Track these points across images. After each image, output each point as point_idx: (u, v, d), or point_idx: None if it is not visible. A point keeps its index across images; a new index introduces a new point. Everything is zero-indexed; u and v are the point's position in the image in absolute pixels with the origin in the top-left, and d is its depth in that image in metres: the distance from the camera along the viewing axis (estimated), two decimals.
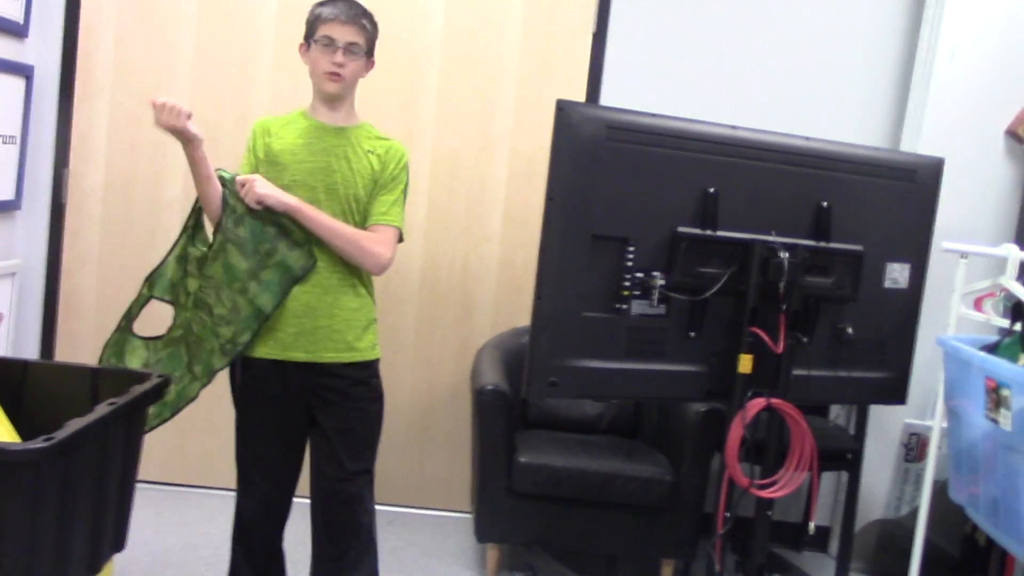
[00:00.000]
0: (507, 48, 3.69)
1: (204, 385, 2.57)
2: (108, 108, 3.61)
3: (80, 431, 1.85)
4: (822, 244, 2.56)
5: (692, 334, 2.45)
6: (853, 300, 2.61)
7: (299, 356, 2.51)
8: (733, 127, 2.51)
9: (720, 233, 2.42)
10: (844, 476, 3.61)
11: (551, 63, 3.71)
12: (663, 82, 3.72)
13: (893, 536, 3.54)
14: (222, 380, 3.57)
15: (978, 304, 3.03)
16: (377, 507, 3.80)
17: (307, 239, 2.47)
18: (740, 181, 2.48)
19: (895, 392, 2.83)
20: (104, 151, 3.62)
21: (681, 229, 2.35)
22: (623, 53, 3.71)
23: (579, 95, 3.69)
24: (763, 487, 2.57)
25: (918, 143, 3.57)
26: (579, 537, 3.24)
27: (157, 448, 3.71)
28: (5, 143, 3.37)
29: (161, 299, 2.58)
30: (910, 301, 2.75)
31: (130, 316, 2.60)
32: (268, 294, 2.45)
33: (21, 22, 3.39)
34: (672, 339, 2.43)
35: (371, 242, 2.50)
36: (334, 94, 2.51)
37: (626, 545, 3.23)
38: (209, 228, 2.55)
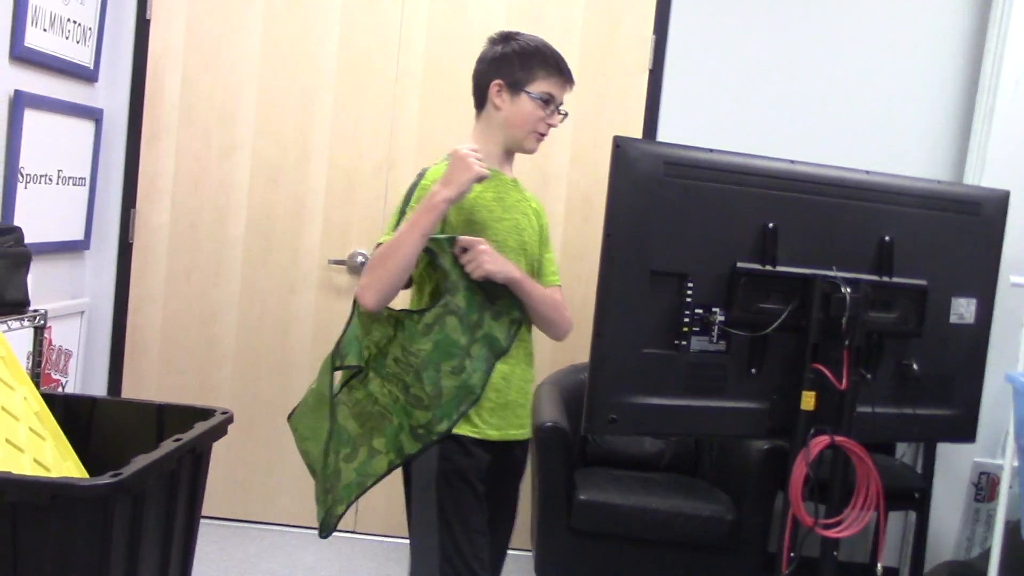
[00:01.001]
0: None
1: (395, 464, 2.24)
2: (174, 149, 3.70)
3: (146, 467, 1.88)
4: (885, 279, 2.52)
5: (753, 371, 2.42)
6: (918, 336, 2.56)
7: (492, 435, 2.24)
8: (792, 161, 2.49)
9: (780, 269, 2.39)
10: (912, 516, 3.54)
11: (608, 100, 3.72)
12: (720, 117, 3.71)
13: None
14: (280, 407, 3.62)
15: None
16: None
17: (509, 307, 2.23)
18: (799, 216, 2.46)
19: (964, 429, 2.76)
20: (170, 191, 3.71)
21: (740, 265, 2.32)
22: (680, 89, 3.71)
23: (636, 131, 3.69)
24: (828, 527, 2.52)
25: (982, 175, 3.52)
26: (635, 572, 3.20)
27: (219, 484, 3.75)
28: (75, 185, 3.47)
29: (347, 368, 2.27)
30: (977, 336, 2.69)
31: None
32: (479, 372, 2.18)
33: (91, 67, 3.50)
34: (733, 375, 2.41)
35: (564, 308, 2.32)
36: (531, 152, 2.32)
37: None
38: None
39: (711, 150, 2.38)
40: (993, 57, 3.55)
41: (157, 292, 3.74)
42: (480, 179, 2.07)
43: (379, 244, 2.13)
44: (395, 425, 2.19)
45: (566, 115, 2.32)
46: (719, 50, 3.71)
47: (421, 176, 2.25)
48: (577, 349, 3.75)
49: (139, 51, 3.65)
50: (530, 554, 3.72)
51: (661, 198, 2.25)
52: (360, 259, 3.69)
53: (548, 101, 2.24)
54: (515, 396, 2.27)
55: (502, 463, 2.29)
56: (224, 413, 2.38)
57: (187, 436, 2.12)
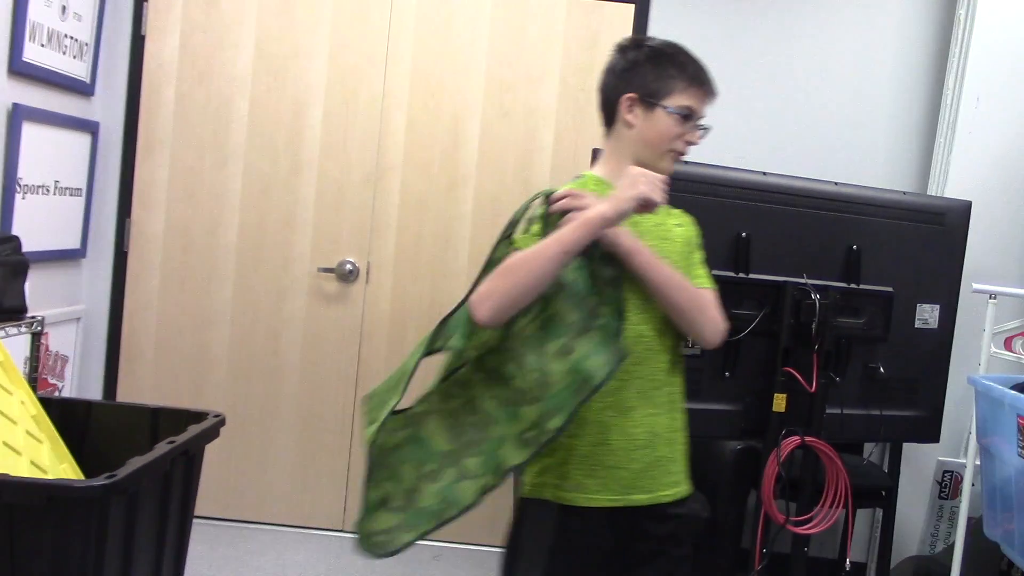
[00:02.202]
0: (545, 100, 3.83)
1: (490, 488, 1.78)
2: (168, 161, 3.78)
3: (141, 468, 1.91)
4: (853, 286, 2.62)
5: (727, 374, 2.52)
6: (884, 340, 2.66)
7: (640, 499, 1.88)
8: (764, 173, 2.60)
9: (753, 276, 2.50)
10: (879, 513, 3.62)
11: (588, 114, 3.82)
12: None
13: (928, 573, 3.53)
14: (270, 410, 3.71)
15: (1008, 343, 3.07)
16: (424, 541, 3.88)
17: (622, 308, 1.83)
18: (771, 225, 2.56)
19: (928, 430, 2.87)
20: (164, 201, 3.79)
21: (715, 272, 2.42)
22: None
23: None
24: (799, 524, 2.62)
25: (945, 187, 3.62)
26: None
27: (212, 485, 3.82)
28: (72, 195, 3.54)
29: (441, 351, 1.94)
30: (941, 341, 2.80)
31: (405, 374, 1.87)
32: (596, 358, 1.73)
33: (88, 81, 3.57)
34: (707, 379, 2.50)
35: (711, 304, 1.93)
36: (666, 173, 1.91)
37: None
38: None
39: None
40: (956, 73, 3.66)
41: (151, 299, 3.82)
42: (646, 206, 1.76)
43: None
44: (496, 439, 1.79)
45: (707, 130, 2.01)
46: None
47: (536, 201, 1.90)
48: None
49: (134, 66, 3.73)
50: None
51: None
52: (348, 267, 3.79)
53: (687, 116, 1.94)
54: (666, 451, 1.91)
55: (644, 530, 1.92)
56: (216, 416, 2.40)
57: (180, 438, 2.16)
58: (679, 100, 1.94)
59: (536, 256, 1.75)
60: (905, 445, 3.55)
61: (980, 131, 3.61)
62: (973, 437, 2.99)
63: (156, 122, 3.77)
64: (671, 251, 1.95)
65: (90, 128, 3.62)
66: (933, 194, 3.65)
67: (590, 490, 1.85)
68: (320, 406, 3.86)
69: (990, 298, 2.94)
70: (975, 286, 2.95)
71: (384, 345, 3.86)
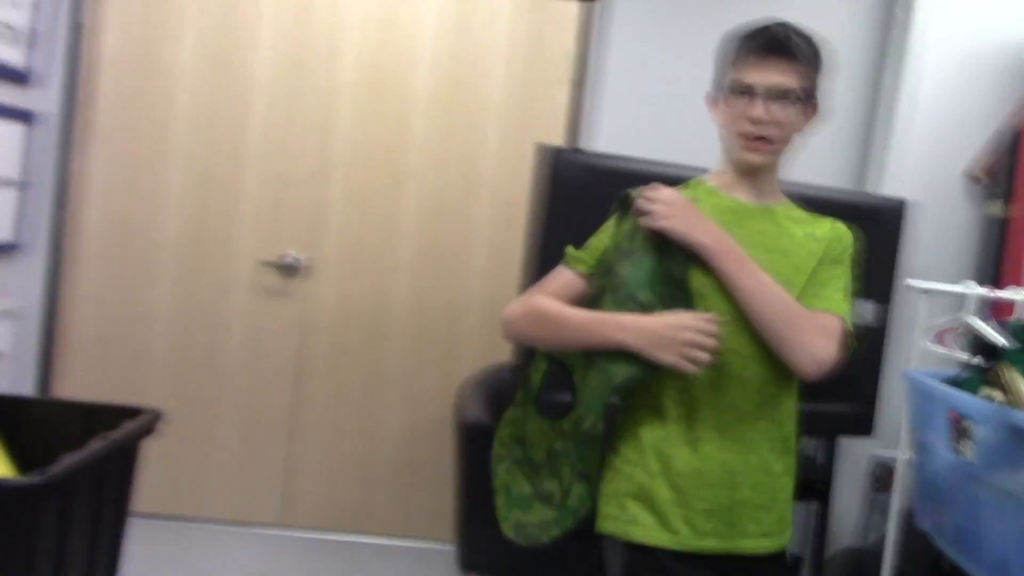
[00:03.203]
0: (490, 95, 3.83)
1: (593, 490, 1.79)
2: (106, 153, 3.72)
3: (74, 465, 1.90)
4: None
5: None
6: None
7: (711, 545, 1.70)
8: (702, 169, 2.63)
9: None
10: (815, 506, 3.68)
11: (533, 109, 3.84)
12: (642, 128, 3.82)
13: (862, 563, 3.59)
14: (211, 405, 3.68)
15: (941, 339, 3.13)
16: (365, 538, 3.88)
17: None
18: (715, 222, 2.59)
19: (863, 425, 2.93)
20: (103, 194, 3.73)
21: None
22: (602, 99, 3.83)
23: (559, 140, 3.81)
24: None
25: (881, 185, 3.68)
26: (561, 566, 3.29)
27: (149, 481, 3.77)
28: (4, 186, 3.47)
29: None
30: (876, 337, 2.85)
31: (529, 387, 1.83)
32: (623, 360, 1.64)
33: (24, 70, 3.50)
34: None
35: (815, 326, 1.66)
36: (756, 165, 1.79)
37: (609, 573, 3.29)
38: None
39: (631, 158, 2.51)
40: (891, 72, 3.73)
41: (88, 293, 3.75)
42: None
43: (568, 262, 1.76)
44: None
45: (786, 95, 1.73)
46: (639, 63, 3.84)
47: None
48: (503, 348, 3.86)
49: (73, 55, 3.66)
50: (454, 547, 3.81)
51: (582, 204, 2.35)
52: (290, 261, 3.76)
53: (742, 92, 1.74)
54: (748, 494, 1.70)
55: None
56: (154, 412, 2.39)
57: (116, 435, 2.14)
58: (730, 77, 1.77)
59: (570, 328, 1.69)
60: (840, 439, 3.61)
61: (916, 129, 3.68)
62: (906, 431, 3.05)
63: (95, 113, 3.70)
64: (784, 262, 1.72)
65: (26, 118, 3.54)
66: (869, 192, 3.71)
67: (648, 524, 1.69)
68: (260, 402, 3.82)
69: (923, 294, 3.00)
70: (909, 282, 3.01)
71: (326, 340, 3.83)
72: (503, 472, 1.90)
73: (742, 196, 1.83)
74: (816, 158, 3.94)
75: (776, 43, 1.74)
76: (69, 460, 1.89)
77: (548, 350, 1.74)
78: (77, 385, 3.74)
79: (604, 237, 1.81)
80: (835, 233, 1.85)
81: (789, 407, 1.76)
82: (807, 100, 1.77)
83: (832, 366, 1.65)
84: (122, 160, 3.73)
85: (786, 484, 1.76)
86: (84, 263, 3.74)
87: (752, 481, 1.70)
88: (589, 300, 1.74)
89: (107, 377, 3.76)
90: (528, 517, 1.86)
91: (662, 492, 1.69)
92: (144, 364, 3.78)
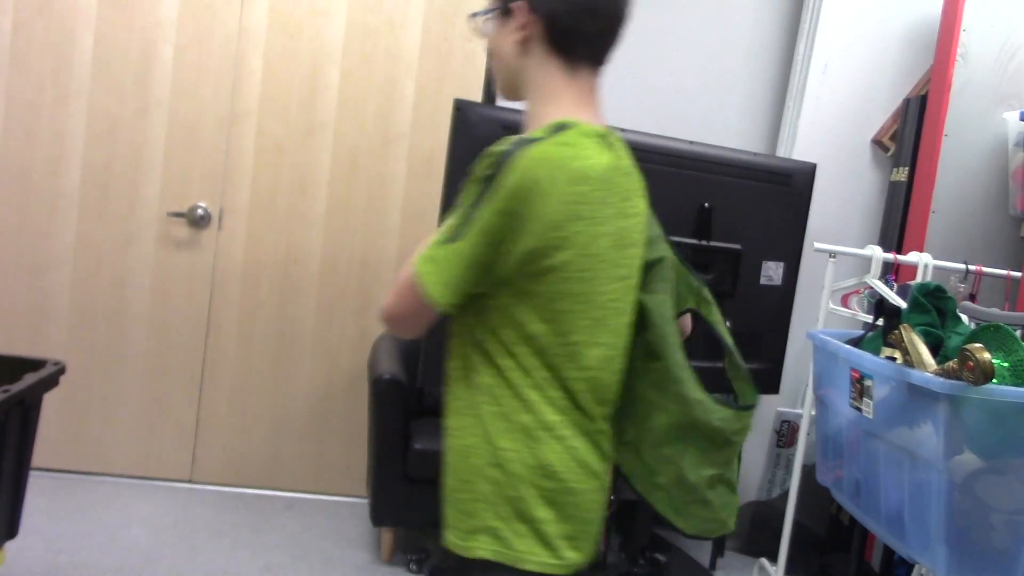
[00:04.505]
0: (407, 48, 3.77)
1: None
2: (4, 96, 3.55)
3: None
4: (703, 243, 2.70)
5: None
6: (732, 296, 2.75)
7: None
8: (621, 130, 2.63)
9: None
10: None
11: (450, 64, 3.80)
12: None
13: (765, 517, 3.72)
14: (115, 358, 3.59)
15: (845, 300, 3.22)
16: (275, 492, 3.86)
17: None
18: None
19: (769, 383, 3.00)
20: (0, 138, 3.57)
21: None
22: None
23: (476, 96, 3.79)
24: None
25: (793, 149, 3.77)
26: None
27: (51, 435, 3.68)
28: None
29: None
30: (784, 297, 2.92)
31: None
32: None
33: None
34: None
35: (397, 281, 1.43)
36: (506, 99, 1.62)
37: None
38: None
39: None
40: (805, 40, 3.80)
41: None
42: None
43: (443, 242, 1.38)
44: None
45: (476, 19, 1.59)
46: None
47: (515, 151, 1.35)
48: None
49: None
50: (367, 501, 3.82)
51: None
52: (200, 212, 3.66)
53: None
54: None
55: None
56: (56, 364, 2.34)
57: (15, 387, 2.10)
58: None
59: None
60: None
61: (826, 97, 3.77)
62: (810, 389, 3.13)
63: None
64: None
65: None
66: (782, 156, 3.78)
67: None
68: (168, 355, 3.74)
69: (830, 257, 3.07)
70: (817, 245, 3.08)
71: (237, 293, 3.76)
72: None
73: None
74: (731, 123, 4.03)
75: None
76: None
77: None
78: None
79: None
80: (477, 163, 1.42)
81: (462, 377, 1.49)
82: (504, 14, 1.51)
83: (390, 318, 1.44)
84: (20, 103, 3.57)
85: (452, 470, 1.49)
86: None
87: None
88: None
89: (6, 329, 3.63)
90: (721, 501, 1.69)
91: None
92: (45, 315, 3.65)
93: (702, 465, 1.56)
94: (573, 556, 1.44)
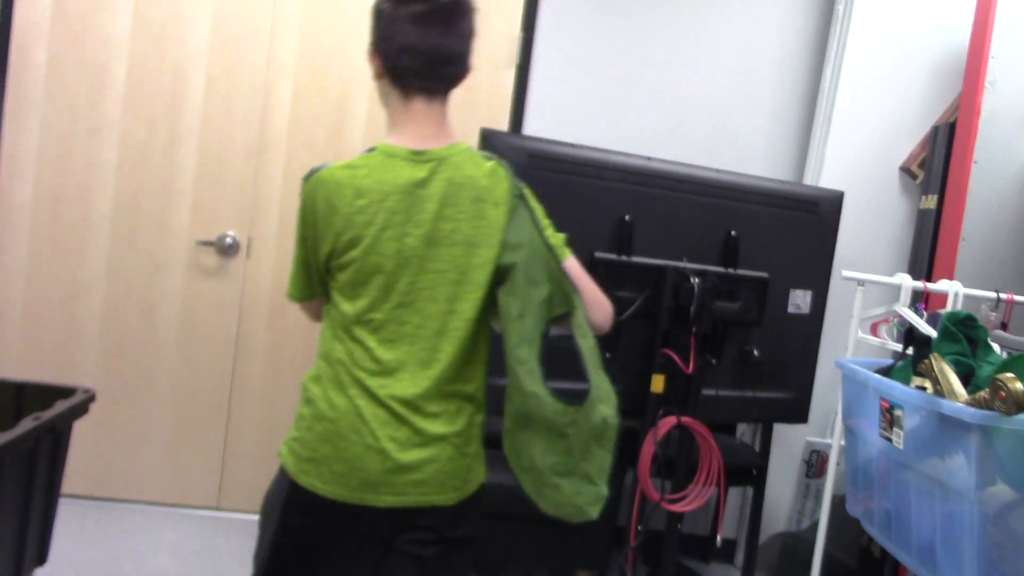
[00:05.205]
0: None
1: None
2: (38, 126, 3.61)
3: (3, 446, 1.87)
4: (730, 271, 2.69)
5: (608, 355, 2.56)
6: (759, 324, 2.74)
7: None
8: (648, 158, 2.64)
9: (635, 259, 2.54)
10: (749, 491, 3.73)
11: (477, 93, 3.82)
12: (583, 114, 3.84)
13: (795, 548, 3.67)
14: (144, 385, 3.61)
15: (874, 329, 3.19)
16: None
17: None
18: (654, 209, 2.60)
19: (797, 412, 2.98)
20: (34, 168, 3.62)
21: (598, 254, 2.45)
22: (546, 85, 3.83)
23: (503, 125, 3.80)
24: (673, 501, 2.68)
25: (820, 177, 3.75)
26: (496, 550, 3.31)
27: (81, 461, 3.70)
28: None
29: None
30: (812, 326, 2.90)
31: None
32: None
33: None
34: None
35: None
36: None
37: (541, 557, 3.31)
38: None
39: (573, 145, 2.51)
40: (832, 67, 3.79)
41: (18, 269, 3.65)
42: None
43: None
44: None
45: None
46: (584, 49, 3.85)
47: (308, 179, 1.78)
48: None
49: (3, 25, 3.54)
50: None
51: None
52: (228, 240, 3.69)
53: None
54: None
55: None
56: (86, 391, 2.34)
57: (46, 415, 2.11)
58: None
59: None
60: (775, 425, 3.67)
61: (854, 124, 3.75)
62: (839, 418, 3.10)
63: (26, 85, 3.59)
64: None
65: None
66: (808, 184, 3.77)
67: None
68: (196, 383, 3.76)
69: (858, 285, 3.05)
70: (845, 273, 3.06)
71: (264, 321, 3.78)
72: None
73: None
74: (757, 151, 4.02)
75: None
76: None
77: None
78: (6, 362, 3.64)
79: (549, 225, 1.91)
80: None
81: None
82: (370, 54, 1.87)
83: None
84: (54, 134, 3.62)
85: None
86: (14, 238, 3.64)
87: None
88: None
89: (38, 356, 3.67)
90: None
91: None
92: (76, 342, 3.69)
93: (547, 453, 1.79)
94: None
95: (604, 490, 1.87)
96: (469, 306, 1.78)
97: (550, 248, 1.80)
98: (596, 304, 1.87)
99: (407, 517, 1.80)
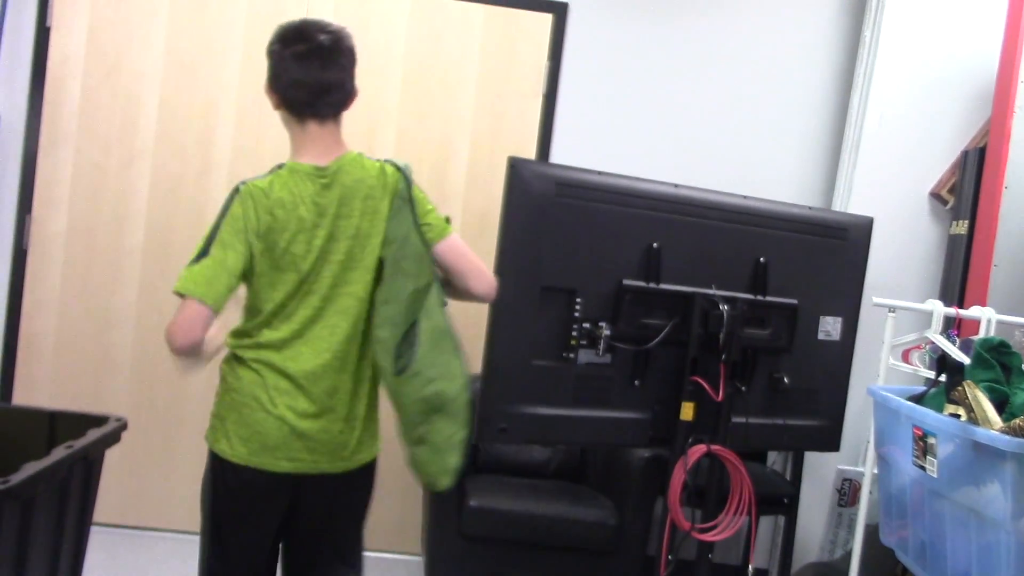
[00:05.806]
0: (462, 107, 3.83)
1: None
2: (72, 157, 3.67)
3: (36, 474, 1.87)
4: (759, 298, 2.67)
5: (637, 382, 2.54)
6: (789, 351, 2.71)
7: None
8: (676, 185, 2.63)
9: (663, 286, 2.52)
10: (781, 520, 3.69)
11: (504, 122, 3.84)
12: (610, 142, 3.85)
13: None
14: (175, 414, 3.63)
15: (906, 356, 3.16)
16: None
17: None
18: (682, 237, 2.59)
19: (829, 439, 2.94)
20: (67, 199, 3.68)
21: (626, 282, 2.44)
22: (572, 114, 3.85)
23: (530, 153, 3.82)
24: (704, 530, 2.65)
25: (849, 203, 3.73)
26: None
27: (114, 491, 3.72)
28: None
29: None
30: (842, 353, 2.87)
31: None
32: None
33: None
34: (617, 387, 2.51)
35: None
36: None
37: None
38: None
39: (600, 173, 2.50)
40: (860, 93, 3.78)
41: (52, 299, 3.70)
42: None
43: (196, 259, 2.07)
44: None
45: None
46: (610, 78, 3.87)
47: (235, 193, 2.07)
48: (471, 360, 3.85)
49: (38, 58, 3.62)
50: (422, 559, 3.79)
51: (552, 217, 2.35)
52: None
53: None
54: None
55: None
56: (118, 420, 2.36)
57: (79, 443, 2.12)
58: None
59: None
60: (807, 454, 3.63)
61: (883, 149, 3.74)
62: (871, 446, 3.07)
63: (60, 117, 3.66)
64: None
65: None
66: (837, 210, 3.75)
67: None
68: None
69: (889, 312, 3.03)
70: (875, 300, 3.04)
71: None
72: None
73: None
74: (786, 177, 4.01)
75: None
76: (32, 468, 1.87)
77: None
78: (39, 391, 3.68)
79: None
80: None
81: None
82: (267, 91, 2.17)
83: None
84: (87, 165, 3.68)
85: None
86: (48, 268, 3.69)
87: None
88: None
89: (71, 384, 3.71)
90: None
91: None
92: (108, 371, 3.73)
93: (399, 423, 2.17)
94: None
95: (452, 462, 2.15)
96: (360, 287, 2.07)
97: (426, 243, 2.12)
98: (477, 273, 2.16)
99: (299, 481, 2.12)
